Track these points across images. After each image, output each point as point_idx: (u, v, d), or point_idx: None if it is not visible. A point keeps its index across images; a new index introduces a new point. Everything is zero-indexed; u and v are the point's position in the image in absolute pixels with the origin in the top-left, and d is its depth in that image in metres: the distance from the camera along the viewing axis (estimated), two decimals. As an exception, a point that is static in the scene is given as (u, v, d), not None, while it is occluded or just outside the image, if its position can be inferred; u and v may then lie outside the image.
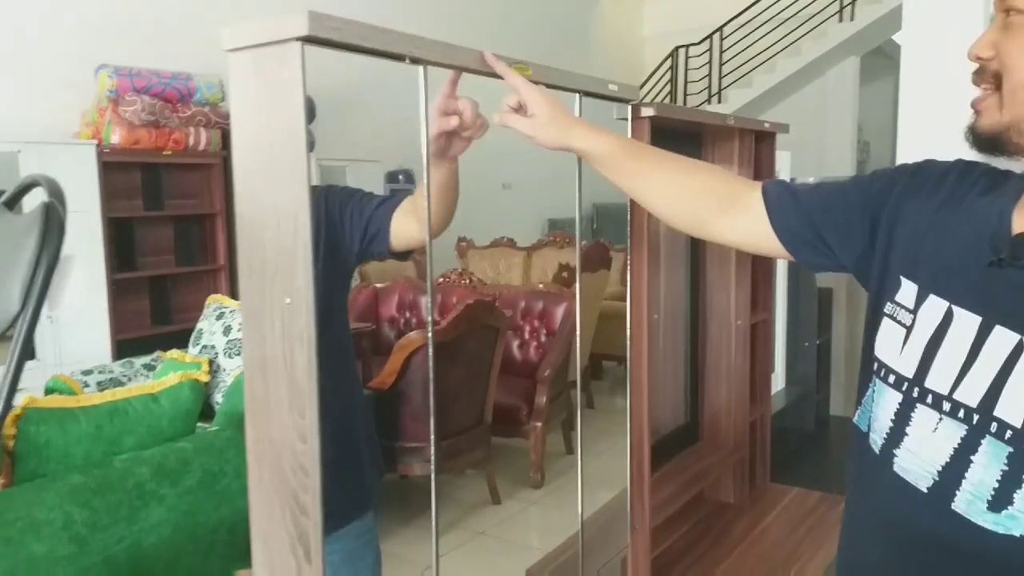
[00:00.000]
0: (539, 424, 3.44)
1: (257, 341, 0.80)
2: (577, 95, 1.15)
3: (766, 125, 1.69)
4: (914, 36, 3.29)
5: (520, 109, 0.95)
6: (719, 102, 8.08)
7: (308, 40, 0.73)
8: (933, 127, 3.26)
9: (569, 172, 1.14)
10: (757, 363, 1.84)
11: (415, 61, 0.87)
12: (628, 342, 1.55)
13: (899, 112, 3.40)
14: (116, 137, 3.86)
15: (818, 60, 7.71)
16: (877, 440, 0.75)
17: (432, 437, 1.02)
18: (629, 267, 1.42)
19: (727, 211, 0.88)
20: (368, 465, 1.34)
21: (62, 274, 0.82)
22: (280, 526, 0.79)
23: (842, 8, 7.42)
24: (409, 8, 6.02)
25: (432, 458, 0.88)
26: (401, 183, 6.06)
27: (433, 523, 0.97)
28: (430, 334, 0.92)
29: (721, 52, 8.00)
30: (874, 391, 0.76)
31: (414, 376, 2.78)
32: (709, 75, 8.12)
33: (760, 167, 1.76)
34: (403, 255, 1.25)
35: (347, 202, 1.27)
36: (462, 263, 6.06)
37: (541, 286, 4.21)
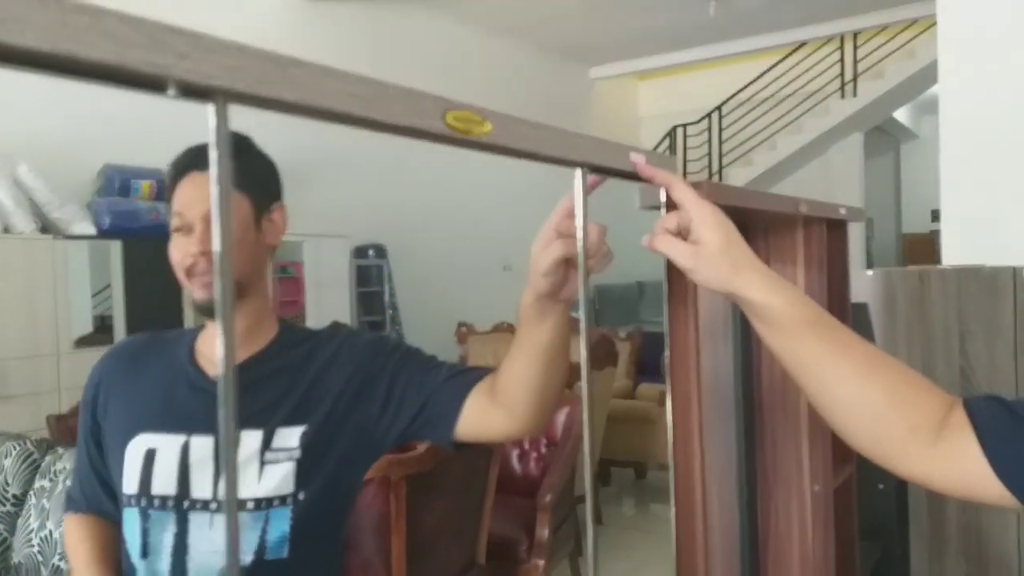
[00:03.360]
0: (541, 562, 2.83)
1: None
2: (578, 171, 0.68)
3: (842, 212, 1.21)
4: (953, 92, 3.01)
5: (680, 231, 0.70)
6: (720, 180, 7.77)
7: None
8: (977, 192, 2.92)
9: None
10: (844, 541, 1.29)
11: (189, 92, 0.38)
12: (673, 525, 1.01)
13: (941, 177, 3.09)
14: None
15: (821, 137, 7.45)
16: None
17: None
18: (671, 419, 0.91)
19: (920, 435, 0.62)
20: None
21: None
22: None
23: (843, 85, 7.20)
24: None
25: None
26: (371, 258, 5.61)
27: None
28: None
29: (720, 131, 7.75)
30: None
31: (363, 517, 2.18)
32: (709, 154, 7.84)
33: (833, 267, 1.26)
34: (465, 447, 0.93)
35: (402, 365, 0.94)
36: (462, 350, 5.58)
37: (538, 390, 3.67)
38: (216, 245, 0.40)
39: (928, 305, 1.87)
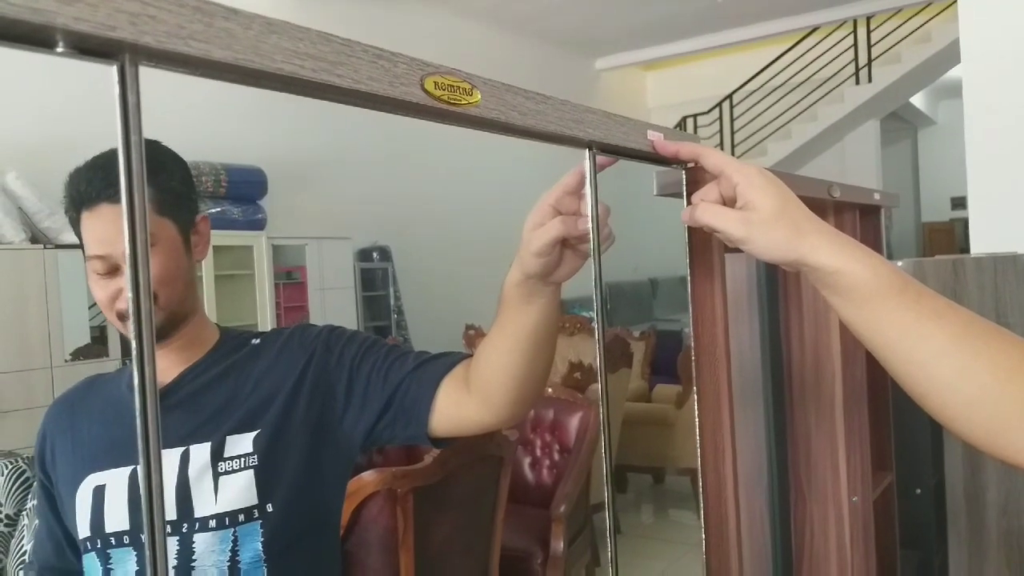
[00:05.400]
0: (556, 576, 2.74)
1: None
2: (587, 152, 0.59)
3: (876, 197, 1.11)
4: (976, 75, 2.89)
5: (725, 201, 0.62)
6: (733, 172, 7.64)
7: None
8: (1004, 174, 2.81)
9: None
10: (884, 557, 1.19)
11: (86, 48, 0.29)
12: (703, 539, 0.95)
13: (967, 162, 2.99)
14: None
15: (836, 125, 7.30)
16: None
17: None
18: (699, 420, 0.82)
19: None
20: None
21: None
22: None
23: (858, 71, 7.04)
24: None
25: None
26: (376, 261, 5.52)
27: None
28: None
29: (732, 120, 7.61)
30: None
31: (369, 532, 2.10)
32: (721, 144, 7.71)
33: (867, 257, 1.16)
34: (443, 443, 0.85)
35: (363, 355, 0.86)
36: (472, 353, 5.49)
37: (550, 391, 3.57)
38: (133, 271, 0.31)
39: (963, 296, 1.75)
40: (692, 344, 0.74)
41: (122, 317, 0.82)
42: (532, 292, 0.68)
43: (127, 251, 0.32)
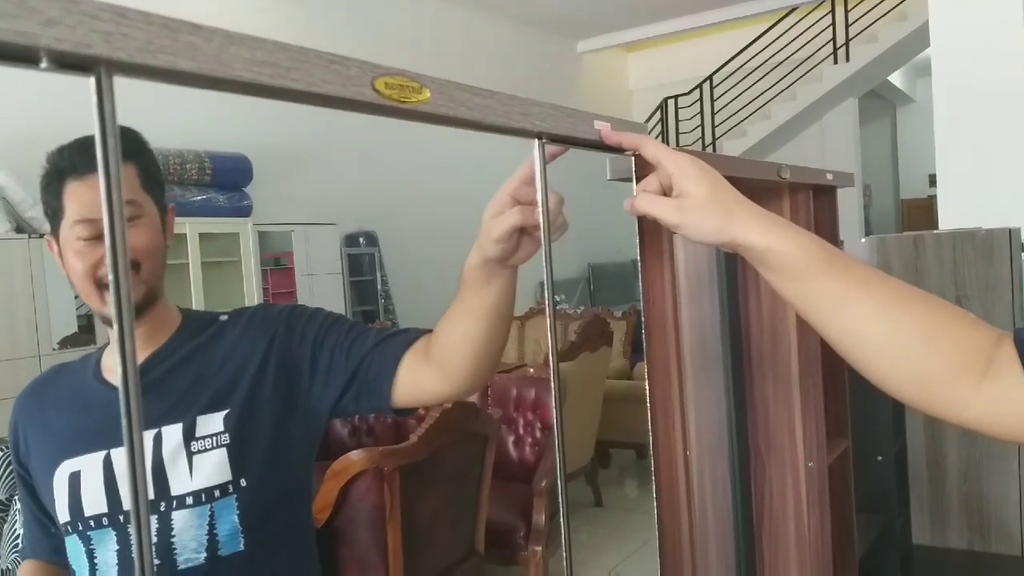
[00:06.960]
0: (538, 548, 2.82)
1: None
2: (536, 141, 0.63)
3: (828, 177, 1.16)
4: (945, 54, 2.96)
5: (664, 191, 0.65)
6: (714, 152, 7.69)
7: None
8: (973, 153, 2.88)
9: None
10: (840, 518, 1.26)
11: (65, 63, 0.34)
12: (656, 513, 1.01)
13: (936, 140, 3.06)
14: None
15: (814, 104, 7.35)
16: None
17: None
18: (649, 391, 0.88)
19: (966, 374, 0.56)
20: None
21: None
22: None
23: (835, 50, 7.09)
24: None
25: None
26: (362, 246, 5.54)
27: None
28: None
29: (712, 101, 7.65)
30: None
31: (356, 510, 2.16)
32: (702, 125, 7.75)
33: (821, 236, 1.22)
34: (407, 412, 0.91)
35: (326, 332, 0.91)
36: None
37: (531, 371, 3.64)
38: (112, 251, 0.36)
39: (924, 270, 1.83)
40: (643, 319, 0.79)
41: (102, 285, 0.84)
42: (490, 274, 0.73)
43: (107, 240, 0.36)
